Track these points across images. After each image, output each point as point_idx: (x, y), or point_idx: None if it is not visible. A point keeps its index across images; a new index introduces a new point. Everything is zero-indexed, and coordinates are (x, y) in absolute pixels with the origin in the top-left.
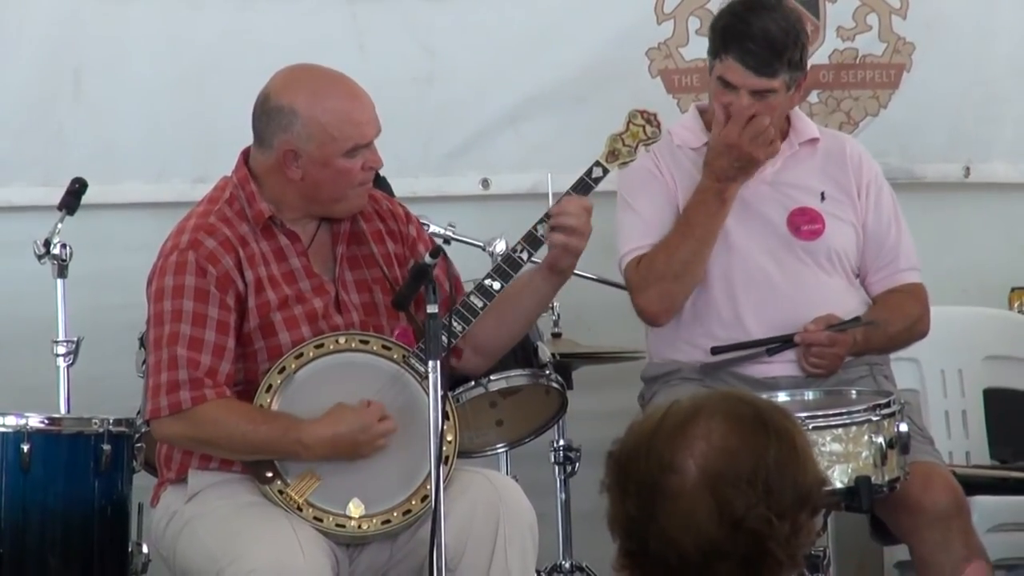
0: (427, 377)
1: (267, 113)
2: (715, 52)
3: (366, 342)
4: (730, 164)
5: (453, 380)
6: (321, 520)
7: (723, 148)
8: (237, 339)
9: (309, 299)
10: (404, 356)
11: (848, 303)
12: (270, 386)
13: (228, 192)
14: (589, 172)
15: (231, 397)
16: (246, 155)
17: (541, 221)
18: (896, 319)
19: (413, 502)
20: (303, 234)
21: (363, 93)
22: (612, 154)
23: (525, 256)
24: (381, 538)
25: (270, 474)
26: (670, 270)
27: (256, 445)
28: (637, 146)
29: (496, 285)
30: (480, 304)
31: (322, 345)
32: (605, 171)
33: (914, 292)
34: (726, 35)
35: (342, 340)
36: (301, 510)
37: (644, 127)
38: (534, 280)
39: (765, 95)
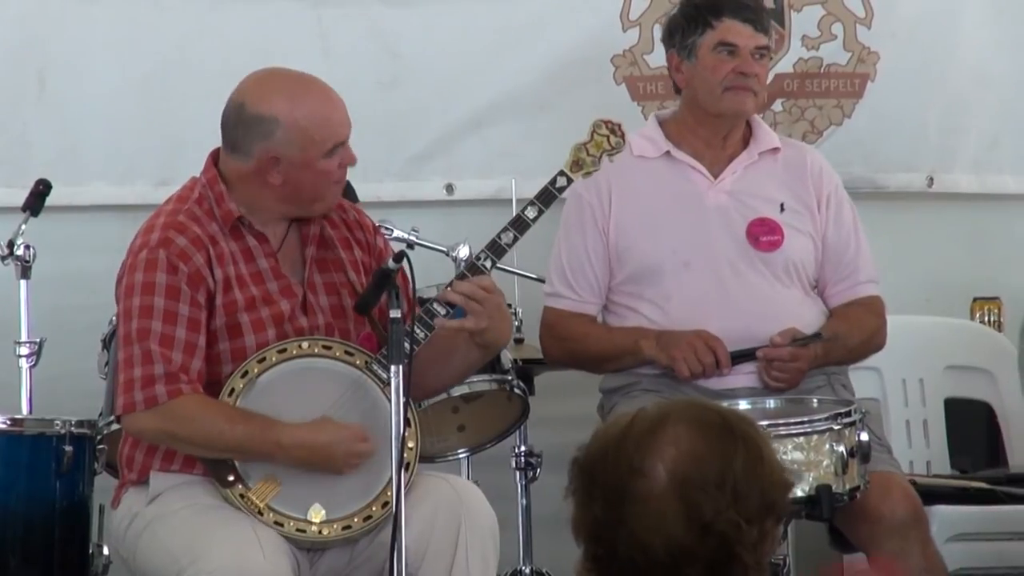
0: (389, 383)
1: (244, 123)
2: (704, 23)
3: (329, 348)
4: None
5: None
6: (282, 525)
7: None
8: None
9: (276, 301)
10: (367, 362)
11: (805, 314)
12: (232, 390)
13: (197, 192)
14: (553, 182)
15: (205, 395)
16: (215, 156)
17: (505, 229)
18: (855, 332)
19: (374, 508)
20: (272, 236)
21: (335, 93)
22: (576, 164)
23: (488, 264)
24: (341, 543)
25: (231, 478)
26: (577, 358)
27: (230, 444)
28: (601, 156)
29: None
30: (443, 312)
31: (285, 350)
32: (569, 180)
33: (872, 305)
34: (718, 0)
35: (305, 345)
36: (262, 514)
37: (608, 137)
38: (468, 345)
39: (763, 55)
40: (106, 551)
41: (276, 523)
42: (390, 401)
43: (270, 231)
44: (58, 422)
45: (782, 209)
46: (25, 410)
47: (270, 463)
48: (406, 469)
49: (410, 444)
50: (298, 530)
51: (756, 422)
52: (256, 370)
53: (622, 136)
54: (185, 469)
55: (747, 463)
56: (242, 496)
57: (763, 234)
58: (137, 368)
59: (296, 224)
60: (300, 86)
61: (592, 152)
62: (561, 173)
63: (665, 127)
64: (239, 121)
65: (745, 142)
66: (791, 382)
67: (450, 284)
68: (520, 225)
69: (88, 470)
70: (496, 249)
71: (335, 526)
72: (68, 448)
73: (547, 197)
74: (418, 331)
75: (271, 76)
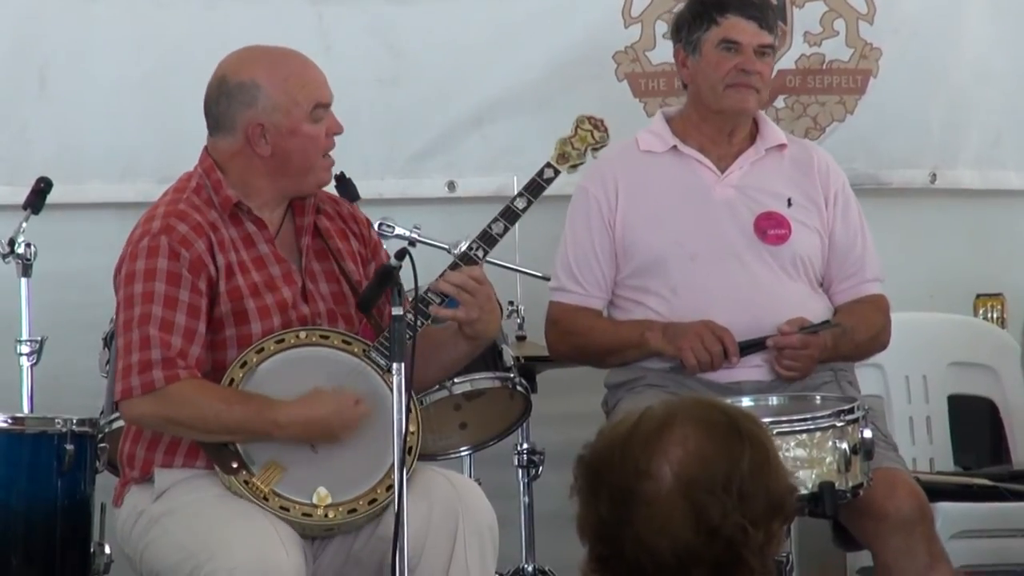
0: (388, 370)
1: (227, 94)
2: (709, 19)
3: (326, 337)
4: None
5: None
6: (287, 510)
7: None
8: (208, 324)
9: (279, 287)
10: (364, 350)
11: (812, 309)
12: (232, 380)
13: (194, 182)
14: (540, 173)
15: (203, 379)
16: (208, 149)
17: (496, 220)
18: (861, 328)
19: (378, 491)
20: (269, 224)
21: (312, 60)
22: (562, 157)
23: (481, 254)
24: (348, 528)
25: (235, 464)
26: (583, 352)
27: (229, 425)
28: (586, 150)
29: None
30: (438, 301)
31: (282, 340)
32: (556, 172)
33: (878, 303)
34: None
35: (303, 335)
36: (267, 500)
37: (592, 132)
38: (454, 339)
39: (766, 53)
40: (108, 550)
41: (282, 508)
42: (389, 387)
43: (267, 218)
44: (59, 421)
45: (789, 204)
46: (26, 409)
47: (271, 443)
48: (408, 453)
49: (411, 429)
50: (304, 514)
51: (761, 420)
52: (255, 360)
53: (605, 131)
54: (188, 463)
55: (753, 463)
56: (246, 483)
57: (771, 228)
58: (135, 354)
59: (291, 215)
60: (277, 53)
61: (577, 146)
62: (548, 165)
63: (672, 123)
64: (221, 94)
65: (752, 138)
66: (803, 371)
67: (443, 275)
68: (510, 215)
69: (90, 468)
70: (488, 239)
71: (341, 509)
72: (69, 447)
73: (535, 188)
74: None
75: (248, 49)
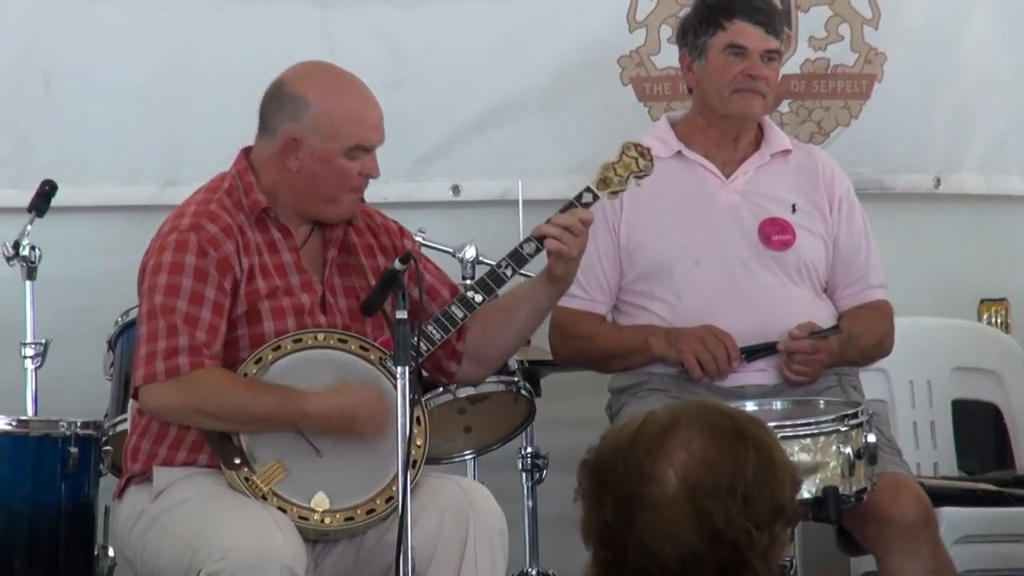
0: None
1: (278, 99)
2: (715, 24)
3: (344, 341)
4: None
5: (423, 386)
6: (285, 511)
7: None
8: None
9: (297, 293)
10: (380, 358)
11: (816, 314)
12: (245, 375)
13: (227, 183)
14: (579, 197)
15: (226, 369)
16: (246, 152)
17: (528, 240)
18: (867, 334)
19: (377, 501)
20: (295, 233)
21: (375, 100)
22: (603, 182)
23: (509, 272)
24: (343, 535)
25: (237, 460)
26: (586, 357)
27: (255, 414)
28: (628, 177)
29: (478, 298)
30: (461, 315)
31: (300, 340)
32: (595, 197)
33: (882, 309)
34: (730, 2)
35: (321, 337)
36: (266, 499)
37: (637, 159)
38: (534, 289)
39: (772, 58)
40: (111, 552)
41: (279, 509)
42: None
43: (293, 227)
44: (63, 423)
45: (794, 210)
46: (30, 411)
47: (277, 443)
48: (412, 466)
49: (418, 442)
50: (300, 517)
51: (765, 423)
52: (270, 357)
53: (651, 160)
54: (190, 459)
55: (758, 467)
56: (247, 480)
57: (775, 233)
58: (161, 341)
59: (320, 227)
60: (340, 80)
61: (620, 172)
62: (588, 189)
63: (677, 128)
64: (273, 98)
65: (757, 144)
66: (812, 375)
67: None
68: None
69: (93, 471)
70: (518, 258)
71: (338, 516)
72: (73, 449)
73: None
74: (435, 331)
75: (319, 65)
